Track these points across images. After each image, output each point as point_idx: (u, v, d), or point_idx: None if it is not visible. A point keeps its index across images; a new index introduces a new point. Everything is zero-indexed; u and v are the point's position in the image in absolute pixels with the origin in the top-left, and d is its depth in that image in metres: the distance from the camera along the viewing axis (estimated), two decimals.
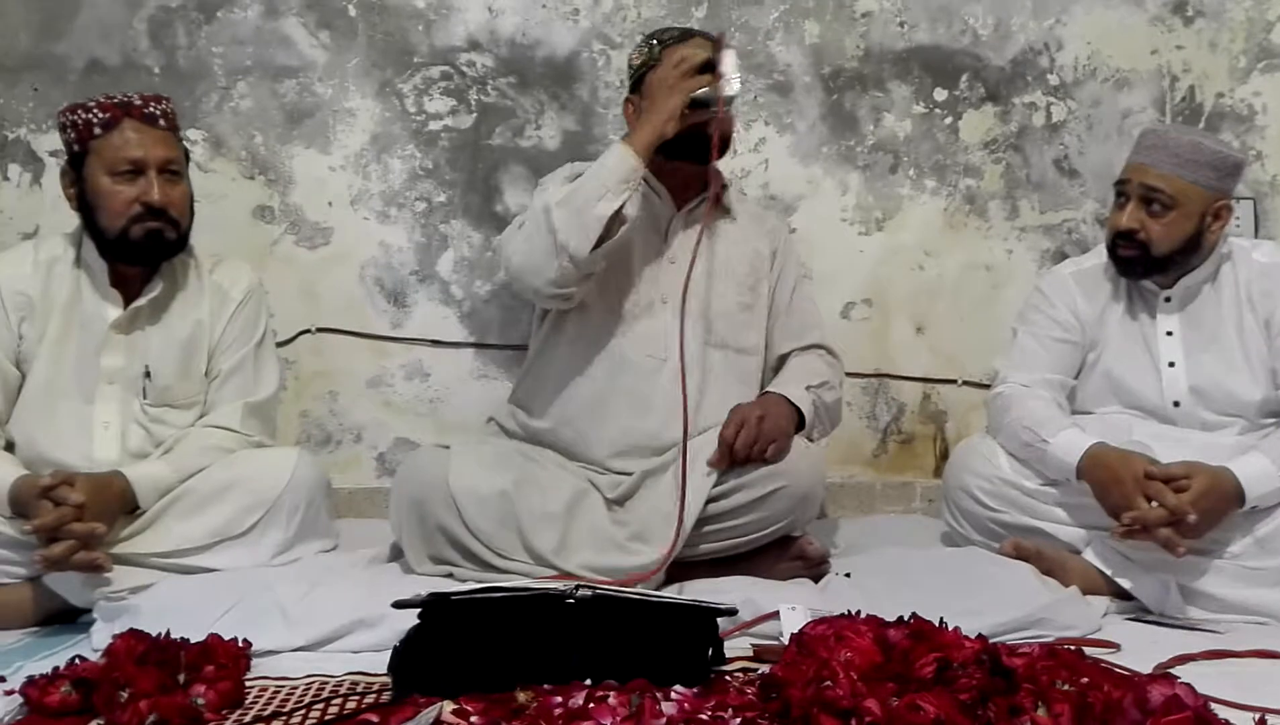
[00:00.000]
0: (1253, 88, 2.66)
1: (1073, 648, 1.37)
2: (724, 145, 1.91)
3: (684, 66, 1.85)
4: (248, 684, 1.41)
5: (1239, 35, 2.66)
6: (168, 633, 1.42)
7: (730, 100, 1.86)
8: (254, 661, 1.48)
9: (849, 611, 1.45)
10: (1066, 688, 1.22)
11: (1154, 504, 1.76)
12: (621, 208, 1.81)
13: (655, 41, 2.00)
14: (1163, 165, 1.93)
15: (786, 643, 1.42)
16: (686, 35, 1.99)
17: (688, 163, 1.96)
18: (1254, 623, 1.75)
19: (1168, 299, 2.02)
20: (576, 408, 1.99)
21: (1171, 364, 2.00)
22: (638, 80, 2.00)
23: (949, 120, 2.65)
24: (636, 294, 2.00)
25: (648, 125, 1.86)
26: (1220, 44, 2.66)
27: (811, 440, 1.99)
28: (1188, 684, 1.18)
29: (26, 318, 1.87)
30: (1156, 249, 1.95)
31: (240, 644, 1.46)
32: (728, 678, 1.42)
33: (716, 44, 1.86)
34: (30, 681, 1.31)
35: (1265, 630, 1.71)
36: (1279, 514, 1.79)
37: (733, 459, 1.86)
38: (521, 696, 1.29)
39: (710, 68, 1.85)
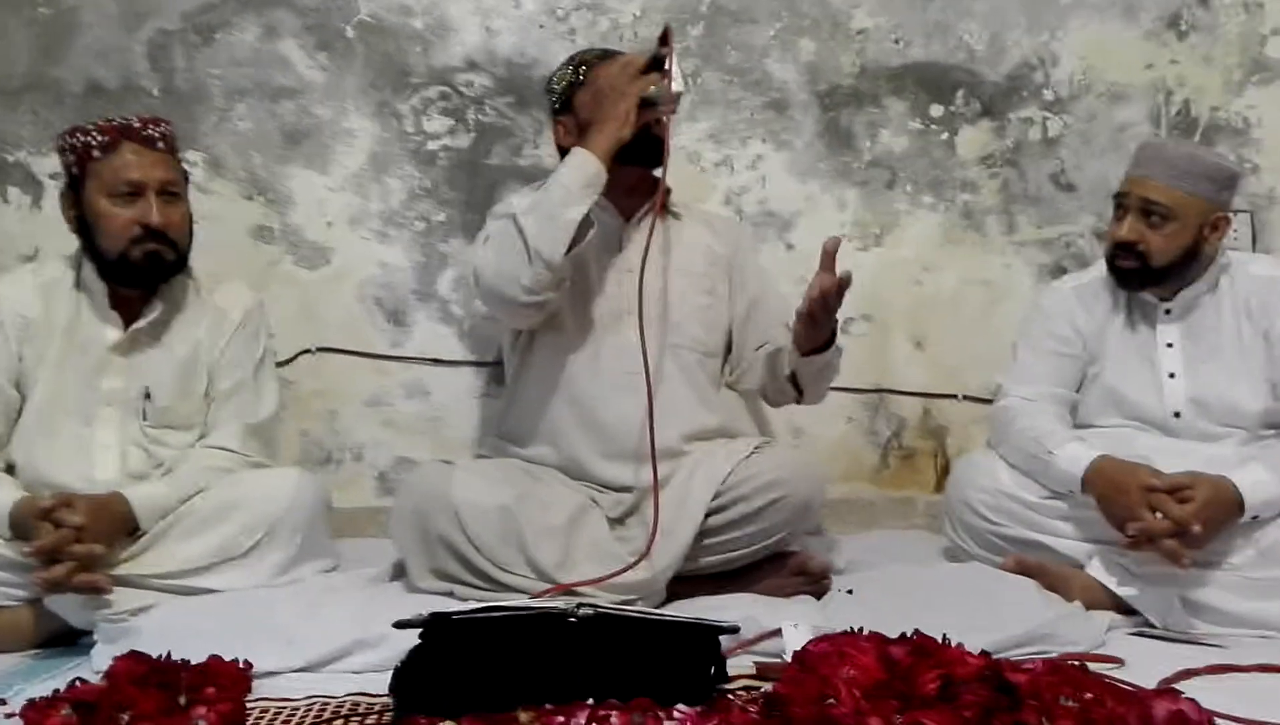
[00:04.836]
0: (1247, 101, 2.67)
1: (1076, 663, 1.36)
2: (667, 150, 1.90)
3: (631, 69, 1.86)
4: (249, 705, 1.40)
5: (1233, 49, 2.67)
6: (168, 654, 1.41)
7: (678, 97, 1.87)
8: (255, 683, 1.47)
9: (851, 628, 1.45)
10: (1071, 704, 1.21)
11: (1158, 515, 1.76)
12: (589, 213, 1.83)
13: (580, 64, 2.00)
14: (1161, 177, 1.94)
15: (789, 660, 1.42)
16: (607, 55, 2.00)
17: (635, 168, 1.94)
18: (1258, 636, 1.74)
19: (1168, 311, 2.03)
20: (564, 433, 1.98)
21: (1172, 375, 2.01)
22: (565, 102, 2.00)
23: (945, 136, 2.65)
24: (601, 309, 1.99)
25: (604, 131, 1.84)
26: (1215, 58, 2.67)
27: None
28: (1192, 699, 1.17)
29: (26, 340, 1.87)
30: (1156, 261, 1.96)
31: (241, 665, 1.45)
32: (731, 696, 1.41)
33: (664, 39, 1.85)
34: (30, 704, 1.30)
35: (1269, 644, 1.70)
36: None
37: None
38: (524, 716, 1.28)
39: (655, 66, 1.85)
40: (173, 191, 1.88)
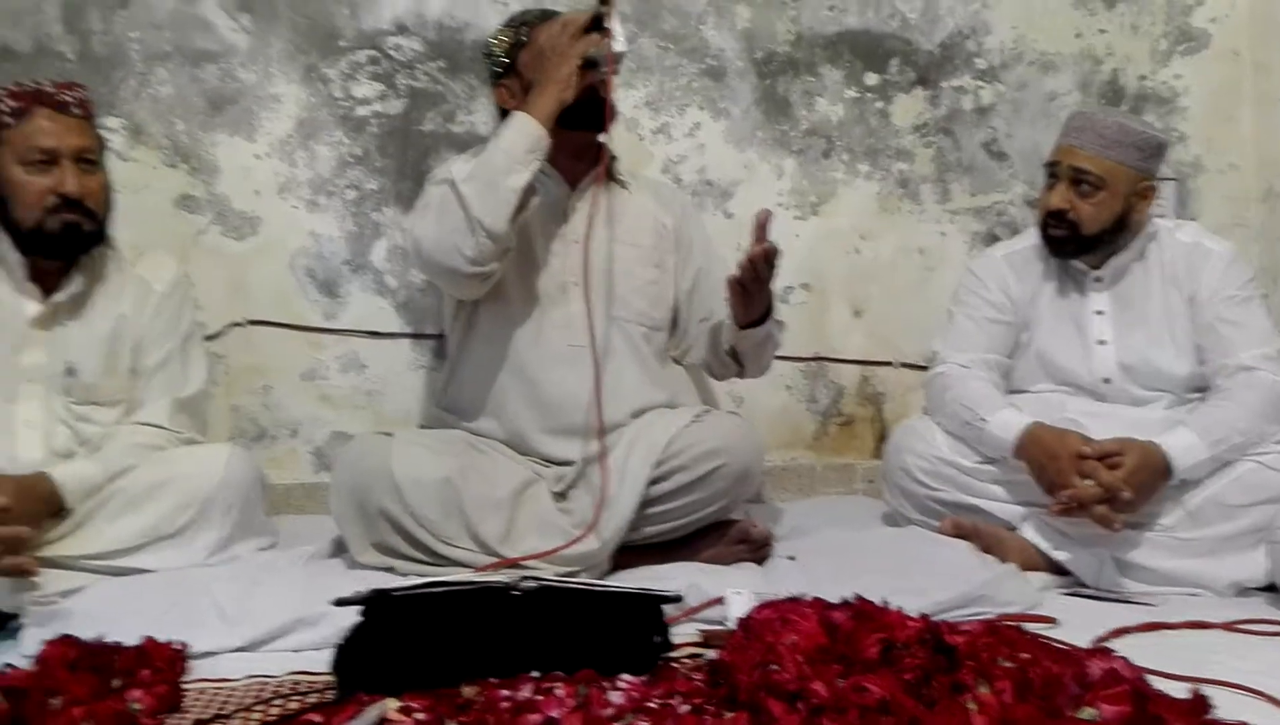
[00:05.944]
0: (1174, 70, 2.72)
1: (1012, 624, 1.39)
2: (611, 112, 1.87)
3: (571, 29, 1.81)
4: (186, 687, 1.37)
5: (1159, 18, 2.72)
6: (101, 637, 1.38)
7: (620, 57, 1.83)
8: (192, 664, 1.44)
9: (794, 594, 1.46)
10: (1007, 664, 1.24)
11: (1089, 482, 1.79)
12: (532, 180, 1.79)
13: (521, 24, 1.96)
14: (1091, 147, 1.97)
15: (733, 627, 1.42)
16: (547, 15, 1.95)
17: (580, 133, 1.90)
18: (1186, 594, 1.80)
19: (1098, 279, 2.07)
20: (508, 406, 1.96)
21: (1102, 342, 2.05)
22: (510, 64, 1.95)
23: (880, 104, 2.67)
24: (546, 280, 1.96)
25: (546, 93, 1.80)
26: (1142, 27, 2.72)
27: None
28: (1125, 657, 1.20)
29: None
30: (1086, 229, 1.99)
31: (177, 646, 1.42)
32: (675, 664, 1.42)
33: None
34: None
35: (1197, 601, 1.76)
36: (1208, 486, 1.84)
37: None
38: (467, 691, 1.27)
39: (596, 26, 1.81)
40: (90, 159, 1.83)
